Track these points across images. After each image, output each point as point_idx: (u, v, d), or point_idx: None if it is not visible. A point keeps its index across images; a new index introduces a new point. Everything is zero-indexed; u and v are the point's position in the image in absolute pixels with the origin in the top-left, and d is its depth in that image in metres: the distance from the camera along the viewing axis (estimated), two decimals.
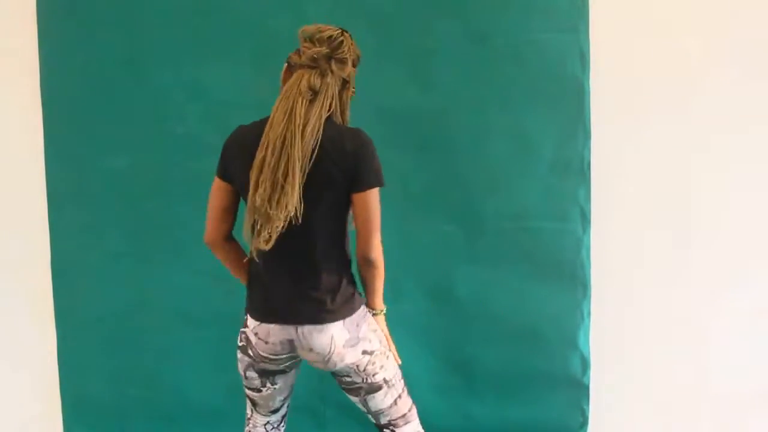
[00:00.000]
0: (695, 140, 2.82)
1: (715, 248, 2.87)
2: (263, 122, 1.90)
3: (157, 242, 2.86)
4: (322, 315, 1.94)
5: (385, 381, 2.02)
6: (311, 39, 1.89)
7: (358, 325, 1.98)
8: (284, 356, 2.02)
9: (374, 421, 2.11)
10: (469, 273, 2.82)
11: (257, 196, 1.78)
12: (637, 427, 2.97)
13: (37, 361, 3.00)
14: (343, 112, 1.97)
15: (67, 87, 2.85)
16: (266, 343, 1.99)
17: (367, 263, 1.98)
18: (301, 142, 1.78)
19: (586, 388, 2.86)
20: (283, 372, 2.08)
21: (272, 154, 1.78)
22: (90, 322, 2.91)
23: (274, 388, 2.10)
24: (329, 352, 1.96)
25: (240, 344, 2.07)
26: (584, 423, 2.88)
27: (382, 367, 2.02)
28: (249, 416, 2.19)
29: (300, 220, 1.80)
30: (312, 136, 1.82)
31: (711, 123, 2.81)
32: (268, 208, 1.78)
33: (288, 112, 1.81)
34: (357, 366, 1.99)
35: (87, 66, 2.83)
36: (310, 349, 1.97)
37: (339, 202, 1.91)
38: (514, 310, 2.83)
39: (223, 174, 1.96)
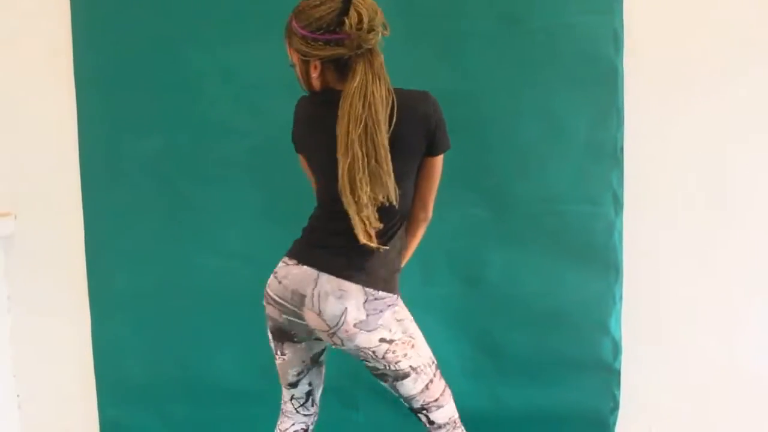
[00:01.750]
0: (730, 122, 2.78)
1: (749, 230, 2.83)
2: (322, 96, 1.87)
3: (189, 224, 2.86)
4: (350, 271, 1.88)
5: (412, 368, 1.97)
6: (371, 29, 1.80)
7: (380, 311, 1.91)
8: (288, 307, 1.94)
9: (407, 406, 2.07)
10: (500, 256, 2.79)
11: (363, 194, 1.76)
12: (670, 413, 2.94)
13: (72, 343, 3.01)
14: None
15: (100, 69, 2.83)
16: (279, 283, 1.93)
17: (424, 219, 2.01)
18: (384, 124, 1.76)
19: (618, 372, 2.83)
20: (291, 338, 2.01)
21: (362, 150, 1.75)
22: (124, 303, 2.91)
23: (284, 359, 2.05)
24: (336, 324, 1.89)
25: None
26: (615, 407, 2.85)
27: (405, 355, 1.95)
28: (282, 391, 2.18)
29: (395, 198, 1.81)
30: (388, 110, 1.78)
31: (747, 105, 2.77)
32: (376, 195, 1.78)
33: (367, 104, 1.76)
34: (374, 352, 1.93)
35: (120, 48, 2.81)
36: (319, 313, 1.89)
37: (413, 168, 1.91)
38: (545, 294, 2.81)
39: (300, 149, 2.00)
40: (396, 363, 1.93)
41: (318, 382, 2.14)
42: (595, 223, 2.77)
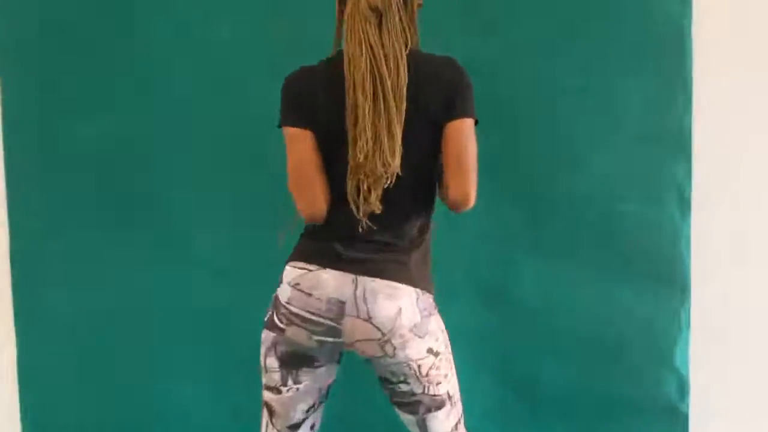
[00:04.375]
0: None
1: None
2: (330, 62, 1.83)
3: (143, 227, 2.64)
4: (398, 272, 1.80)
5: (449, 396, 1.87)
6: None
7: (430, 315, 1.82)
8: (324, 324, 1.79)
9: None
10: (534, 270, 2.58)
11: (359, 151, 1.72)
12: None
13: None
14: (411, 30, 1.84)
15: (26, 37, 2.62)
16: (309, 295, 1.78)
17: (458, 207, 1.84)
18: (390, 79, 1.72)
19: (685, 417, 2.57)
20: (311, 363, 1.87)
21: (365, 98, 1.72)
22: (59, 327, 2.69)
23: (297, 389, 1.87)
24: (391, 329, 1.76)
25: (266, 317, 1.88)
26: None
27: (446, 376, 1.86)
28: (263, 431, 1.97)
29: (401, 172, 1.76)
30: (399, 69, 1.74)
31: None
32: (376, 164, 1.72)
33: (362, 43, 1.74)
34: (419, 367, 1.80)
35: (51, 8, 2.59)
36: (367, 318, 1.76)
37: (431, 143, 1.82)
38: (590, 318, 2.57)
39: (298, 120, 1.82)
40: (437, 384, 1.84)
41: (318, 425, 1.99)
42: (655, 228, 2.54)
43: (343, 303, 1.78)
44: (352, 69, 1.73)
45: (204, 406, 2.66)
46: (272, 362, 1.86)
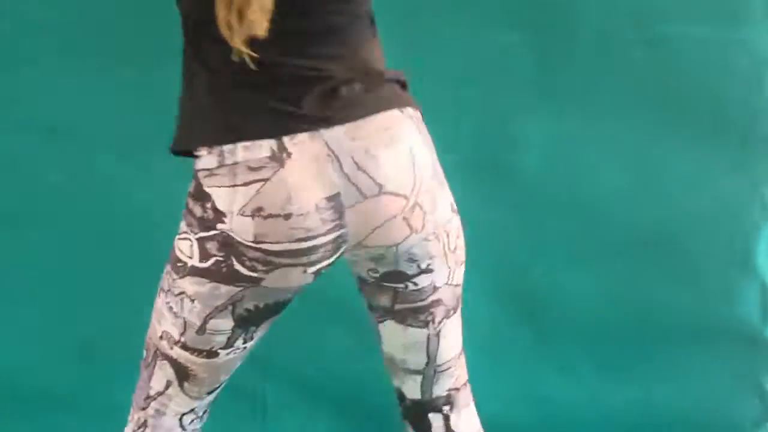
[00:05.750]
0: None
1: None
2: None
3: None
4: (378, 97, 1.29)
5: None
6: None
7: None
8: (325, 242, 1.32)
9: (418, 396, 1.46)
10: (545, 125, 2.11)
11: None
12: None
13: None
14: None
15: None
16: (287, 218, 1.29)
17: None
18: None
19: None
20: (281, 309, 1.46)
21: None
22: None
23: (243, 349, 1.46)
24: (414, 183, 1.30)
25: (203, 264, 1.34)
26: (765, 414, 2.11)
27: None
28: (158, 393, 1.48)
29: None
30: None
31: None
32: None
33: None
34: (448, 236, 1.35)
35: None
36: (378, 191, 1.28)
37: None
38: (628, 198, 2.12)
39: None
40: (460, 265, 1.40)
41: None
42: (728, 58, 2.05)
43: (337, 195, 1.30)
44: None
45: (24, 354, 2.13)
46: (222, 324, 1.39)
